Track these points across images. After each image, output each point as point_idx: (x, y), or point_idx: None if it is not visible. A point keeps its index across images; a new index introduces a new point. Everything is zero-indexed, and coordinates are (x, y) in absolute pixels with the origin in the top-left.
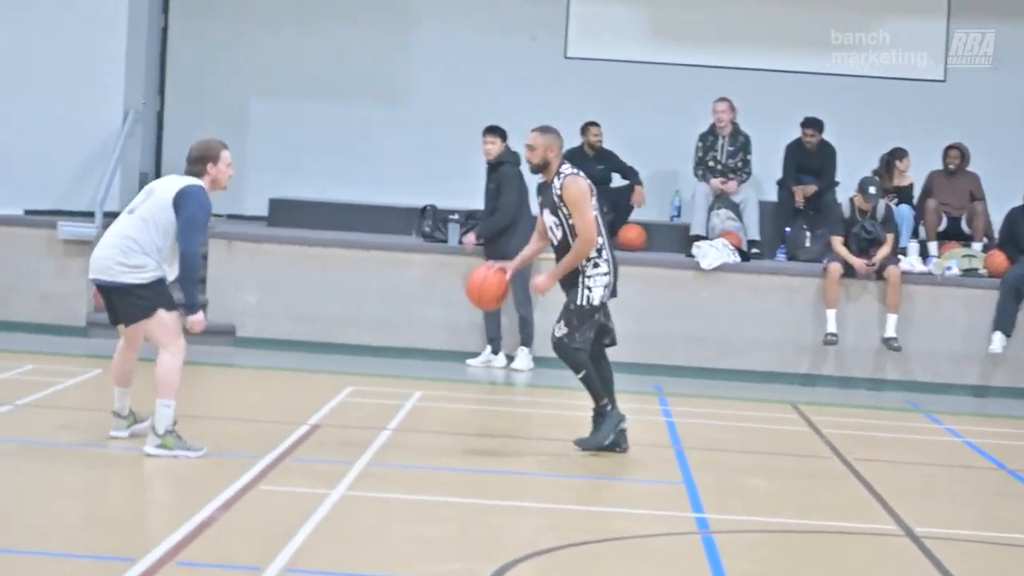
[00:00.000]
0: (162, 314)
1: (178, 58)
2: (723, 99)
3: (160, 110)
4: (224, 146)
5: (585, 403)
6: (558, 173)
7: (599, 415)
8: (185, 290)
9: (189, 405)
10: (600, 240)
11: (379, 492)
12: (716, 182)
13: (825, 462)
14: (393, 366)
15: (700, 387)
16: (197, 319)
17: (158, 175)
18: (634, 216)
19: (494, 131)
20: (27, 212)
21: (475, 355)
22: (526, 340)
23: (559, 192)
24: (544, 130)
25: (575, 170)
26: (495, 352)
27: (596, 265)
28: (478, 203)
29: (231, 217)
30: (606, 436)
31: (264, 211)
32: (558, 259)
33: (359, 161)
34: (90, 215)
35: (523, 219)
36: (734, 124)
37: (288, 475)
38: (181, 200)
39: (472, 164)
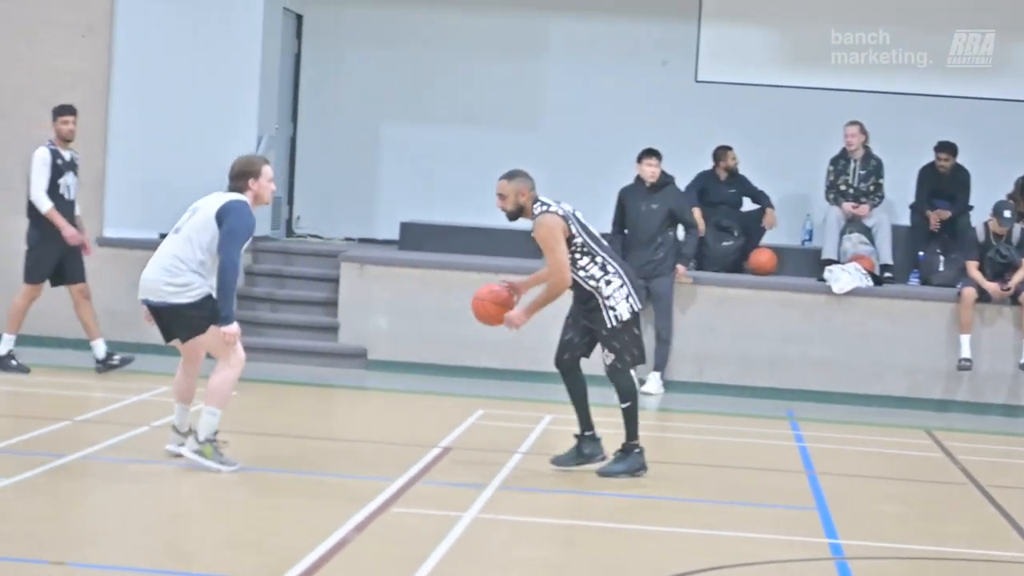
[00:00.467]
0: (215, 328)
1: (311, 83)
2: (854, 122)
3: (293, 135)
4: (266, 161)
5: (718, 427)
6: (533, 214)
7: (625, 451)
8: (221, 299)
9: (321, 427)
10: (599, 259)
11: (510, 515)
12: (848, 206)
13: (960, 488)
14: (524, 389)
15: (832, 412)
16: (232, 330)
17: (291, 200)
18: (765, 239)
19: (654, 153)
20: (162, 236)
21: None
22: (659, 364)
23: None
24: (511, 176)
25: (546, 205)
26: None
27: (609, 283)
28: (605, 226)
29: (363, 241)
30: (627, 469)
31: (395, 235)
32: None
33: (490, 185)
34: None
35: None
36: (866, 148)
37: (420, 498)
38: (223, 215)
39: (602, 188)
